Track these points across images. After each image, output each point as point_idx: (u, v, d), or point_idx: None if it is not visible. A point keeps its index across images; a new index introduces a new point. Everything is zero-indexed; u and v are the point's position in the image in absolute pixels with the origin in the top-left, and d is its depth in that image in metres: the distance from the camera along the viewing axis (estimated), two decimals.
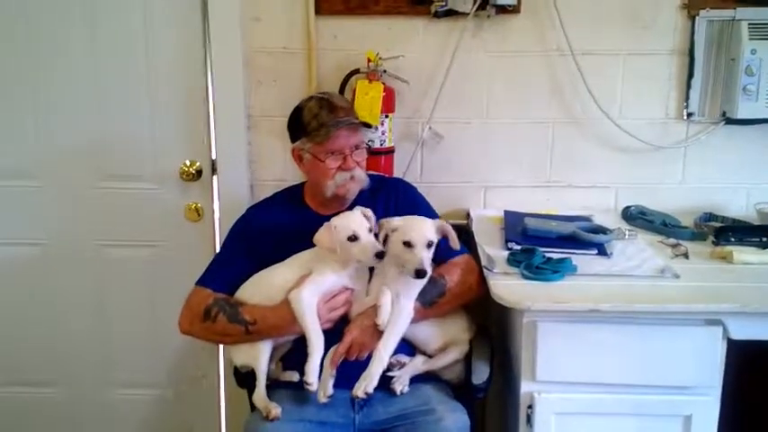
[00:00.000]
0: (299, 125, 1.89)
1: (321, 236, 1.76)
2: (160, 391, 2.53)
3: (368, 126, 1.98)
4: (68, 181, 2.38)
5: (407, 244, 1.72)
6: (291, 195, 2.02)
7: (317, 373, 1.70)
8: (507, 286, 1.73)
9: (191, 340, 1.91)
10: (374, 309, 1.75)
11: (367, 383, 1.69)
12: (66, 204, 2.39)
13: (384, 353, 1.71)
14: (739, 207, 2.30)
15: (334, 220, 1.77)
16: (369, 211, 1.81)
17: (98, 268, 2.44)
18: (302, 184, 2.03)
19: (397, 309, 1.75)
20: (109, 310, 2.47)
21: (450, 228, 1.79)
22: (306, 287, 1.75)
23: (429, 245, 1.73)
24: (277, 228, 1.92)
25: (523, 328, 1.70)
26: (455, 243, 1.79)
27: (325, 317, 1.76)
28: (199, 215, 2.39)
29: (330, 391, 1.72)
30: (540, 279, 1.75)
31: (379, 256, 1.72)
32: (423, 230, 1.73)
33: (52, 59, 2.30)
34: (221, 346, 2.42)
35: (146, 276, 2.43)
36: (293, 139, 1.93)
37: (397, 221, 1.76)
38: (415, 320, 1.78)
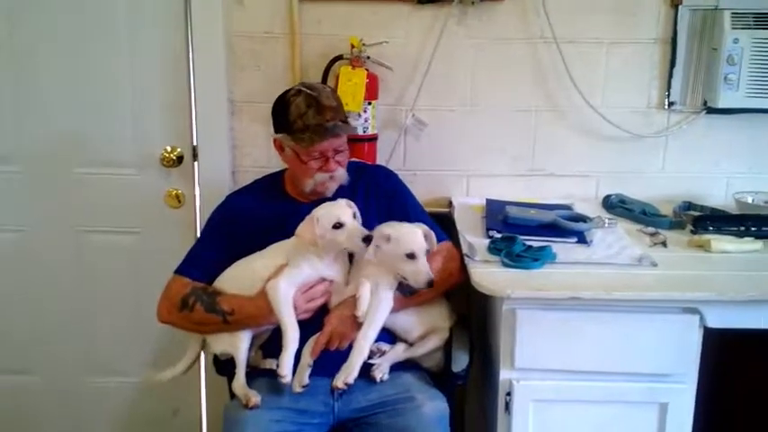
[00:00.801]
0: (284, 120, 1.84)
1: (303, 229, 1.74)
2: (141, 379, 2.51)
3: (353, 131, 1.94)
4: (48, 167, 2.35)
5: (411, 256, 1.72)
6: (272, 183, 2.01)
7: (291, 366, 1.69)
8: (487, 274, 1.74)
9: (172, 327, 1.90)
10: (354, 299, 1.75)
11: (347, 375, 1.69)
12: (46, 190, 2.37)
13: (364, 344, 1.72)
14: (719, 196, 2.32)
15: (317, 212, 1.76)
16: (351, 202, 1.80)
17: (78, 254, 2.42)
18: (282, 172, 2.02)
19: (377, 299, 1.75)
20: (89, 297, 2.45)
21: (433, 234, 1.81)
22: (282, 278, 1.74)
23: (426, 252, 1.76)
24: (257, 216, 1.90)
25: (503, 316, 1.71)
26: (433, 247, 1.80)
27: (303, 307, 1.75)
28: (180, 202, 2.37)
29: (305, 380, 1.71)
30: (520, 267, 1.76)
31: (366, 240, 1.71)
32: (420, 241, 1.75)
33: (32, 44, 2.26)
34: None
35: (126, 263, 2.42)
36: (276, 130, 1.90)
37: (387, 230, 1.76)
38: (395, 309, 1.78)
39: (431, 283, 1.71)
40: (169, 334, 2.36)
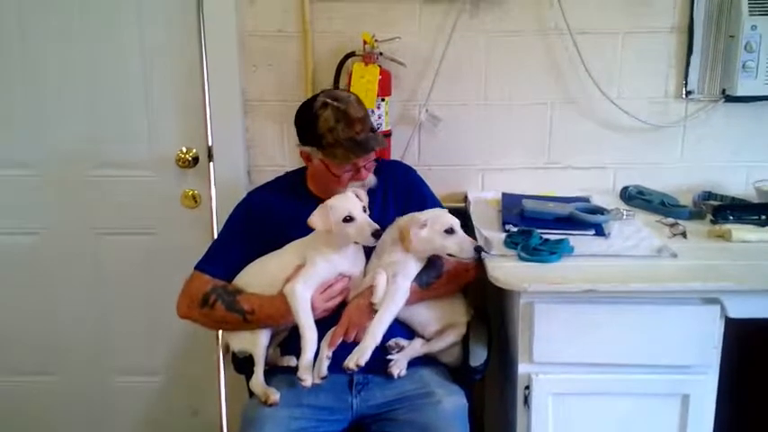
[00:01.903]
0: (312, 134, 1.82)
1: (315, 217, 1.74)
2: (158, 379, 2.53)
3: (383, 145, 1.93)
4: (64, 169, 2.37)
5: (450, 231, 1.75)
6: (293, 181, 2.00)
7: (311, 369, 1.70)
8: (504, 268, 1.73)
9: (189, 327, 1.90)
10: (370, 289, 1.75)
11: (359, 356, 1.67)
12: (63, 193, 2.39)
13: (377, 328, 1.70)
14: (738, 185, 2.29)
15: (330, 201, 1.76)
16: (360, 191, 1.81)
17: (95, 256, 2.44)
18: (304, 169, 2.00)
19: (394, 287, 1.75)
20: (106, 298, 2.47)
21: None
22: (299, 281, 1.74)
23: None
24: (278, 213, 1.90)
25: (520, 310, 1.70)
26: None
27: (322, 307, 1.75)
28: (196, 202, 2.38)
29: (324, 372, 1.71)
30: (537, 260, 1.75)
31: (376, 235, 1.71)
32: (453, 217, 1.79)
33: (46, 47, 2.28)
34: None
35: (143, 264, 2.43)
36: (302, 141, 1.87)
37: (421, 216, 1.78)
38: (411, 302, 1.78)
39: (479, 249, 1.74)
40: (186, 334, 2.41)
